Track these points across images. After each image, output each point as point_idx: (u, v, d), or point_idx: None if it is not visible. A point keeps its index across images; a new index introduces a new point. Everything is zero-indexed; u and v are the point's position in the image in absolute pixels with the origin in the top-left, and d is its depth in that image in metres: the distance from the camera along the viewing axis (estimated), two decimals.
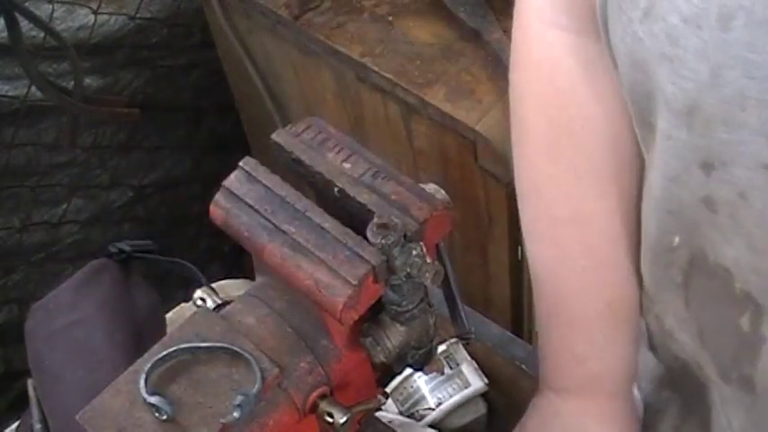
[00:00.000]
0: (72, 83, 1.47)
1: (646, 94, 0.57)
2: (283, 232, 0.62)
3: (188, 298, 0.71)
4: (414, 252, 0.60)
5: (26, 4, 1.41)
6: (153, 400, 0.60)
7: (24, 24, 1.37)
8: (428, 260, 0.61)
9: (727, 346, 0.61)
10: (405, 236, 0.60)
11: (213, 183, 0.67)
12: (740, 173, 0.52)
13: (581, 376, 0.77)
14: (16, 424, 1.03)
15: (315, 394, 0.64)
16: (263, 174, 0.65)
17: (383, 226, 0.60)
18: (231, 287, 1.21)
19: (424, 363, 0.70)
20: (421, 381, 1.16)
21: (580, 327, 0.75)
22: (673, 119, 0.54)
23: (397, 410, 1.16)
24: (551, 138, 0.71)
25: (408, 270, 0.60)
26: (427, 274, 0.60)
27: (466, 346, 1.18)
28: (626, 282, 0.73)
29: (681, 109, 0.53)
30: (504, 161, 1.26)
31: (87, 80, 1.55)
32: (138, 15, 1.62)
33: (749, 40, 0.48)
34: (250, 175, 0.65)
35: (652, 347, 0.77)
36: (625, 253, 0.72)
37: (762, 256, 0.55)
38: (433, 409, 1.15)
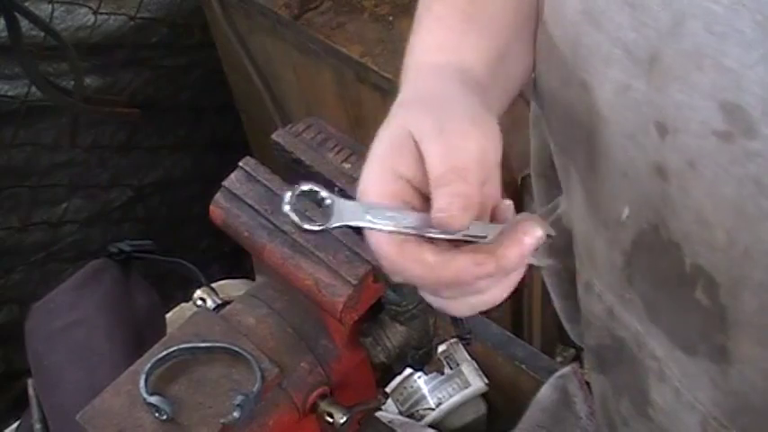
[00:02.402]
0: (72, 83, 1.47)
1: (592, 47, 0.55)
2: (283, 232, 0.62)
3: (188, 298, 0.71)
4: None
5: (26, 4, 1.41)
6: (153, 400, 0.60)
7: (24, 24, 1.37)
8: None
9: (689, 319, 0.60)
10: None
11: (213, 183, 0.67)
12: (690, 140, 0.52)
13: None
14: (16, 424, 1.03)
15: (315, 394, 0.64)
16: (263, 174, 0.65)
17: None
18: (231, 287, 1.22)
19: (423, 363, 0.70)
20: (421, 381, 1.16)
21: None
22: (633, 68, 0.53)
23: (397, 410, 1.16)
24: None
25: None
26: None
27: (466, 346, 1.18)
28: None
29: (642, 57, 0.52)
30: (503, 161, 1.26)
31: (87, 80, 1.55)
32: (137, 15, 1.62)
33: None
34: (250, 175, 0.65)
35: (585, 325, 0.76)
36: None
37: (713, 229, 0.54)
38: (433, 409, 1.15)
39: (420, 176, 0.52)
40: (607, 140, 0.58)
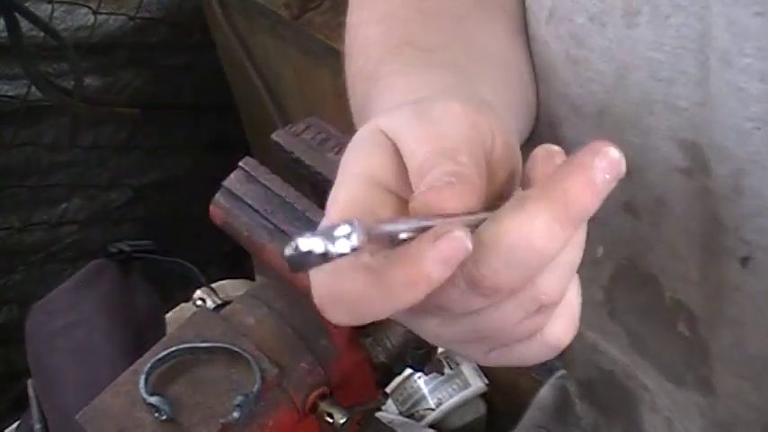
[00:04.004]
0: (72, 83, 1.47)
1: (545, 102, 0.53)
2: (283, 232, 0.62)
3: (188, 298, 0.71)
4: None
5: (26, 4, 1.41)
6: (153, 400, 0.60)
7: (24, 24, 1.37)
8: None
9: (675, 352, 0.60)
10: None
11: (213, 183, 0.67)
12: (655, 178, 0.51)
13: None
14: (16, 424, 1.03)
15: (315, 394, 0.64)
16: (263, 174, 0.65)
17: None
18: (231, 287, 1.21)
19: (424, 363, 0.70)
20: (421, 381, 1.16)
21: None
22: (582, 124, 0.52)
23: (397, 411, 1.16)
24: None
25: None
26: None
27: None
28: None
29: (590, 112, 0.51)
30: None
31: (87, 80, 1.55)
32: (137, 15, 1.62)
33: (654, 37, 0.46)
34: (250, 175, 0.65)
35: (566, 364, 0.74)
36: None
37: (686, 264, 0.53)
38: (433, 410, 1.15)
39: (399, 178, 0.38)
40: None
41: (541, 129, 0.56)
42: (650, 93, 0.48)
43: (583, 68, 0.50)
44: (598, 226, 0.57)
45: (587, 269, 0.61)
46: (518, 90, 0.52)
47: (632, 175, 0.52)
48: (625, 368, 0.67)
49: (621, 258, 0.59)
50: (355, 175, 0.38)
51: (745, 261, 0.50)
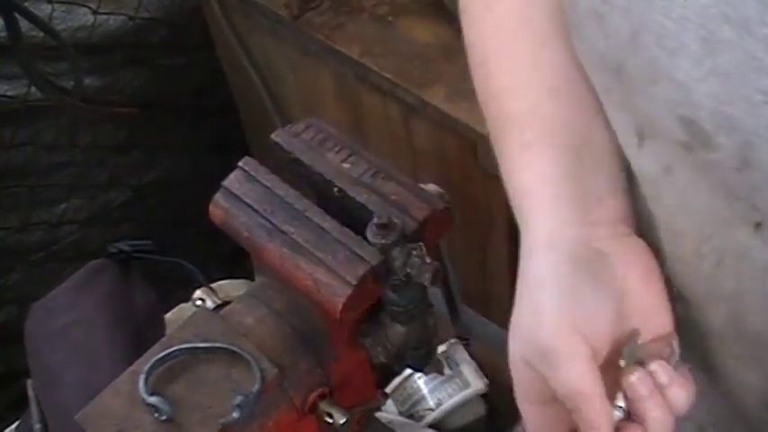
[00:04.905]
0: (72, 83, 1.47)
1: (579, 54, 0.56)
2: (283, 232, 0.62)
3: (188, 298, 0.71)
4: (413, 252, 0.60)
5: (26, 4, 1.41)
6: (153, 400, 0.60)
7: (24, 24, 1.37)
8: (428, 260, 0.60)
9: (678, 330, 0.59)
10: (404, 236, 0.60)
11: (213, 183, 0.66)
12: (662, 148, 0.52)
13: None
14: (16, 424, 1.03)
15: (314, 394, 0.64)
16: (262, 174, 0.65)
17: (383, 226, 0.60)
18: (231, 287, 1.21)
19: (423, 363, 0.70)
20: (421, 381, 1.16)
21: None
22: (607, 76, 0.53)
23: (396, 410, 1.16)
24: None
25: (408, 270, 0.60)
26: (427, 274, 0.60)
27: (466, 347, 1.18)
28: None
29: (612, 66, 0.52)
30: None
31: (87, 80, 1.55)
32: (137, 15, 1.62)
33: (666, 3, 0.46)
34: (250, 175, 0.65)
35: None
36: None
37: (682, 238, 0.54)
38: (433, 410, 1.15)
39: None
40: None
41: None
42: (656, 60, 0.48)
43: (605, 22, 0.51)
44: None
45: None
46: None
47: (644, 143, 0.53)
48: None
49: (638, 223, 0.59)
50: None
51: (758, 226, 0.51)
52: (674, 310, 0.57)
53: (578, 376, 0.52)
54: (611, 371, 0.54)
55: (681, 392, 0.53)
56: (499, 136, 0.60)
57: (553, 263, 0.55)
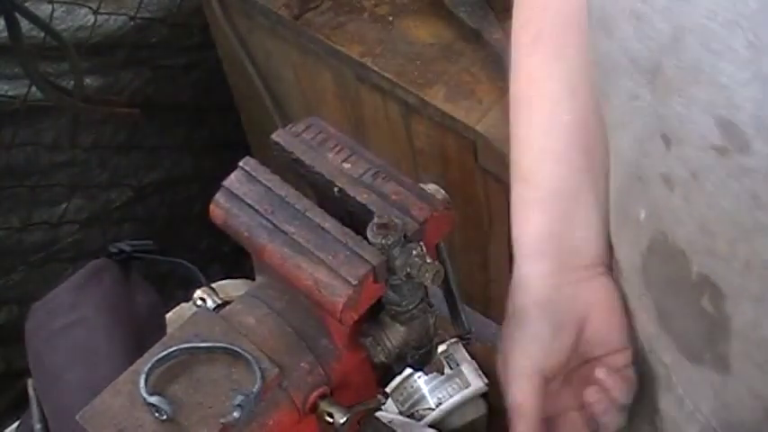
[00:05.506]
0: (72, 83, 1.48)
1: (604, 55, 0.56)
2: (283, 232, 0.62)
3: (188, 298, 0.71)
4: (414, 252, 0.60)
5: (26, 4, 1.41)
6: (153, 400, 0.60)
7: (24, 24, 1.37)
8: (428, 260, 0.61)
9: (696, 327, 0.61)
10: (405, 236, 0.60)
11: (213, 183, 0.66)
12: (692, 152, 0.52)
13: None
14: (16, 424, 1.03)
15: (315, 394, 0.64)
16: (263, 174, 0.65)
17: (383, 226, 0.60)
18: (231, 287, 1.21)
19: (424, 363, 0.70)
20: (421, 381, 1.16)
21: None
22: (639, 78, 0.54)
23: (397, 410, 1.16)
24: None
25: (408, 270, 0.60)
26: (427, 274, 0.60)
27: (466, 346, 1.18)
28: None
29: (646, 68, 0.53)
30: (504, 161, 1.26)
31: (87, 80, 1.55)
32: (137, 15, 1.62)
33: (710, 5, 0.47)
34: (250, 175, 0.65)
35: None
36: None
37: (715, 239, 0.55)
38: (433, 409, 1.15)
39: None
40: (621, 145, 0.59)
41: (600, 79, 0.60)
42: (699, 62, 0.49)
43: (643, 23, 0.51)
44: (641, 189, 0.59)
45: (631, 231, 0.63)
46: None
47: (671, 146, 0.53)
48: (650, 339, 0.69)
49: (657, 230, 0.60)
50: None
51: None
52: (702, 306, 0.60)
53: (523, 394, 0.67)
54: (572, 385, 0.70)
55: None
56: (513, 171, 0.75)
57: (524, 305, 0.70)
